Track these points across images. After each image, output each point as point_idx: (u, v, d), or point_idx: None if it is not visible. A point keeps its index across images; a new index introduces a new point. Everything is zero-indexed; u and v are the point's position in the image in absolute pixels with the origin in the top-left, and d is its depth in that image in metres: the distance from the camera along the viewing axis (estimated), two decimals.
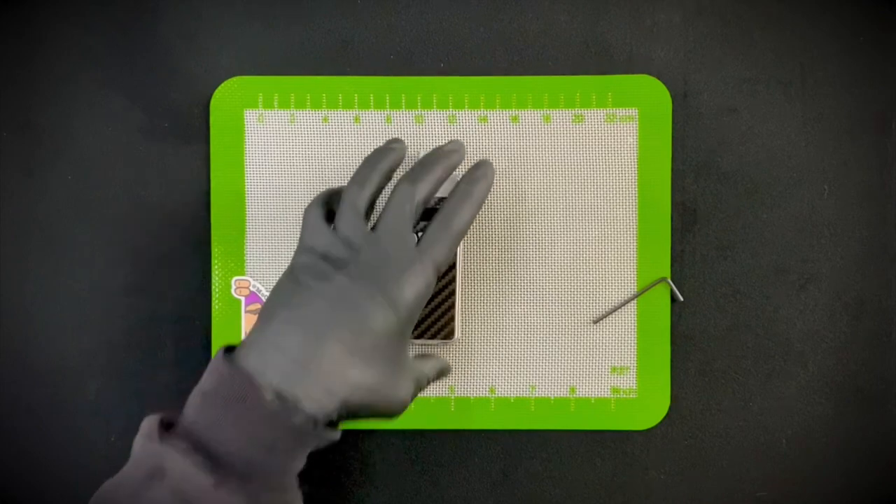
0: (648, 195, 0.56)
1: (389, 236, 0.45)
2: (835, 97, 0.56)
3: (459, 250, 0.55)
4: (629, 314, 0.56)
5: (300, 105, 0.56)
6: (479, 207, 0.48)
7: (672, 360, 0.56)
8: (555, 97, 0.56)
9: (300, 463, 0.42)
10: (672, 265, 0.56)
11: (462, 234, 0.47)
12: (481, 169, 0.48)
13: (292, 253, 0.56)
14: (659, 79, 0.56)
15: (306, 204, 0.56)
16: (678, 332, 0.56)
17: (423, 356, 0.50)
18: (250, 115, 0.56)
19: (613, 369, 0.56)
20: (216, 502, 0.38)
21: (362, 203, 0.46)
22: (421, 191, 0.46)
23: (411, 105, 0.56)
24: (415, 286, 0.44)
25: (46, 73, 0.56)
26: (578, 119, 0.56)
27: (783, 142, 0.56)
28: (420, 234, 0.46)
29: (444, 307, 0.55)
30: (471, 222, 0.47)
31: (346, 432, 0.57)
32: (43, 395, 0.56)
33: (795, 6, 0.56)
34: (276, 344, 0.42)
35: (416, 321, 0.46)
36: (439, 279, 0.55)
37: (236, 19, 0.56)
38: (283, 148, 0.56)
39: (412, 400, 0.46)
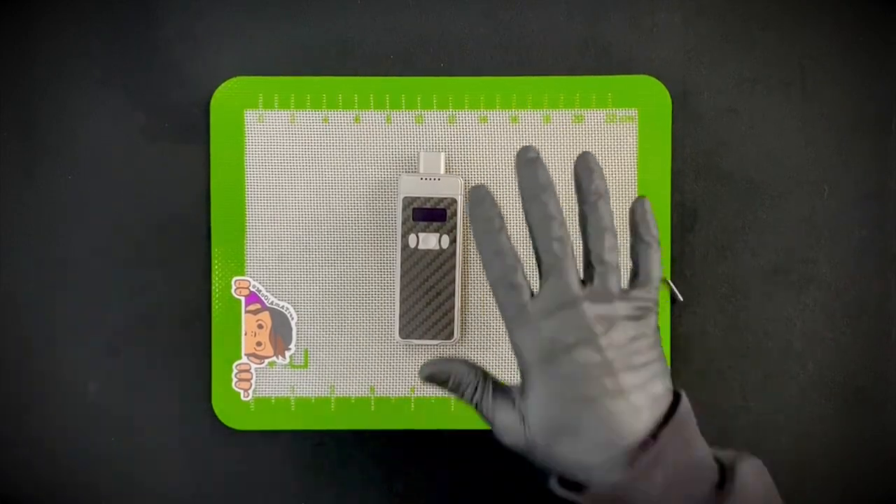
0: (648, 195, 0.56)
1: None
2: (835, 97, 0.56)
3: (459, 250, 0.55)
4: None
5: (300, 105, 0.56)
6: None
7: (672, 360, 0.56)
8: (555, 97, 0.56)
9: None
10: (672, 265, 0.56)
11: None
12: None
13: (292, 253, 0.56)
14: (659, 79, 0.56)
15: (306, 204, 0.56)
16: (678, 332, 0.56)
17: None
18: (250, 115, 0.56)
19: None
20: None
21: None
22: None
23: (411, 105, 0.56)
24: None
25: (46, 73, 0.56)
26: (578, 119, 0.56)
27: (783, 142, 0.56)
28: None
29: (444, 307, 0.55)
30: None
31: (346, 432, 0.57)
32: (43, 395, 0.56)
33: (795, 6, 0.56)
34: None
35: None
36: (439, 279, 0.55)
37: (236, 19, 0.56)
38: (283, 148, 0.56)
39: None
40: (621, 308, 0.41)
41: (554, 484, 0.42)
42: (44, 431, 0.57)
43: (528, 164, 0.42)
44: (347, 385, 0.56)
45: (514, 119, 0.56)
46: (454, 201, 0.54)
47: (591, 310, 0.40)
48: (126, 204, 0.56)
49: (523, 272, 0.42)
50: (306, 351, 0.56)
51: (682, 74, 0.56)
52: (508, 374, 0.56)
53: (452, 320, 0.55)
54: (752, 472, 0.41)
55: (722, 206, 0.56)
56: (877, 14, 0.56)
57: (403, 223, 0.54)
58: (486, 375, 0.44)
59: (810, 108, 0.56)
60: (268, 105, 0.56)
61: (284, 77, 0.56)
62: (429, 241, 0.54)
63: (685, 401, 0.41)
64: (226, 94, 0.56)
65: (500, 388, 0.44)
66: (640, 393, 0.40)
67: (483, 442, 0.56)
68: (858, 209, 0.56)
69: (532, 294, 0.41)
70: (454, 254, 0.54)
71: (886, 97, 0.56)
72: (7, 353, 0.56)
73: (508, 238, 0.42)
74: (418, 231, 0.54)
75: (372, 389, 0.56)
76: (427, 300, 0.55)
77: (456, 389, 0.44)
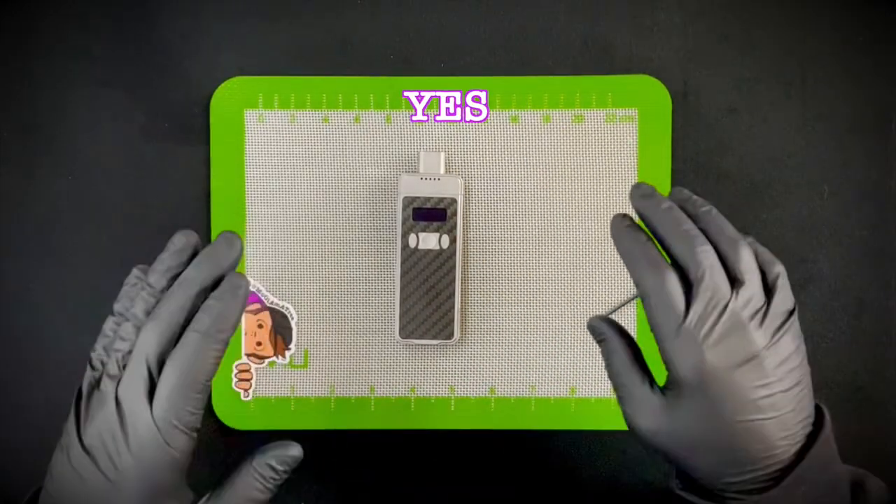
0: None
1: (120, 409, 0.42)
2: (835, 97, 0.56)
3: (459, 250, 0.55)
4: (629, 314, 0.56)
5: (300, 105, 0.56)
6: (236, 327, 0.42)
7: None
8: (555, 97, 0.56)
9: None
10: None
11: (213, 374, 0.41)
12: (231, 282, 0.42)
13: (292, 253, 0.56)
14: (659, 79, 0.56)
15: (306, 204, 0.56)
16: None
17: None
18: (250, 115, 0.56)
19: None
20: None
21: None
22: (149, 341, 0.42)
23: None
24: (153, 461, 0.42)
25: (46, 73, 0.56)
26: (578, 119, 0.56)
27: (783, 142, 0.56)
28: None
29: (444, 307, 0.55)
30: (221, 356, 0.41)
31: (346, 431, 0.57)
32: (43, 395, 0.56)
33: (795, 6, 0.56)
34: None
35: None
36: (439, 279, 0.55)
37: (236, 19, 0.56)
38: (283, 148, 0.56)
39: None
40: (774, 315, 0.39)
41: (675, 485, 0.41)
42: (43, 431, 0.57)
43: (647, 198, 0.41)
44: (347, 385, 0.56)
45: (515, 119, 0.56)
46: (454, 201, 0.54)
47: (753, 323, 0.38)
48: (126, 204, 0.56)
49: (679, 280, 0.39)
50: (306, 351, 0.56)
51: (682, 74, 0.56)
52: (509, 373, 0.56)
53: (452, 320, 0.55)
54: (882, 493, 0.41)
55: (722, 206, 0.56)
56: (877, 14, 0.56)
57: (403, 223, 0.54)
58: (637, 359, 0.42)
59: (810, 108, 0.56)
60: (268, 105, 0.56)
61: (284, 77, 0.56)
62: (429, 240, 0.54)
63: (828, 419, 0.40)
64: (226, 94, 0.56)
65: (648, 380, 0.41)
66: (793, 414, 0.39)
67: (483, 442, 0.57)
68: (858, 209, 0.56)
69: (687, 306, 0.39)
70: (454, 253, 0.55)
71: (886, 97, 0.56)
72: (7, 353, 0.56)
73: (657, 247, 0.40)
74: (418, 231, 0.54)
75: (372, 389, 0.56)
76: (427, 300, 0.55)
77: (605, 355, 0.42)
